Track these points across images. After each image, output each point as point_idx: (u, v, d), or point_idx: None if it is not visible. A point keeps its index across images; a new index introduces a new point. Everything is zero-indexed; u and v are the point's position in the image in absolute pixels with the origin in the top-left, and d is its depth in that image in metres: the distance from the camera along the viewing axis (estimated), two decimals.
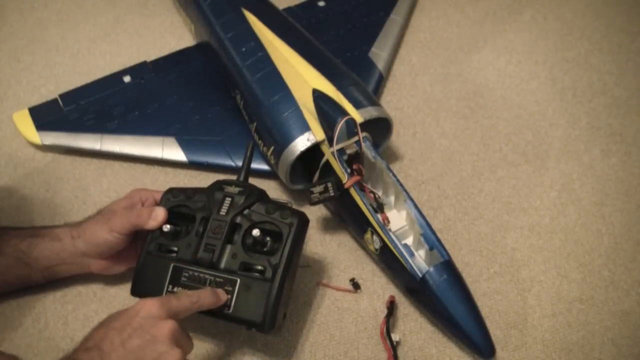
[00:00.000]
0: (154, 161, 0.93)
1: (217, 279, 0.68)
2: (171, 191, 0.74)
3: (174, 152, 0.92)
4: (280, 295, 0.67)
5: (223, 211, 0.70)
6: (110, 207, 0.75)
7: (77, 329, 0.77)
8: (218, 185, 0.73)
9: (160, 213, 0.71)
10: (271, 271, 0.67)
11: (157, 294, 0.69)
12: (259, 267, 0.68)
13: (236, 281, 0.67)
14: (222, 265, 0.68)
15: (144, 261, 0.71)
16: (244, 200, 0.70)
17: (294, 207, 0.73)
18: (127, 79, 1.01)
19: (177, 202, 0.72)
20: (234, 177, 0.75)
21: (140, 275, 0.70)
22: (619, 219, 0.87)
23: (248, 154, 0.76)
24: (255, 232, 0.68)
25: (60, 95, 0.99)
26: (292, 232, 0.69)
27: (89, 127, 0.95)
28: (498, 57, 1.08)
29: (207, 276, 0.68)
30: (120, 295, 0.79)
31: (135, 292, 0.71)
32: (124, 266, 0.77)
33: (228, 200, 0.71)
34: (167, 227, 0.71)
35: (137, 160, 0.94)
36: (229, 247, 0.69)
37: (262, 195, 0.73)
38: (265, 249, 0.69)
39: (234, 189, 0.71)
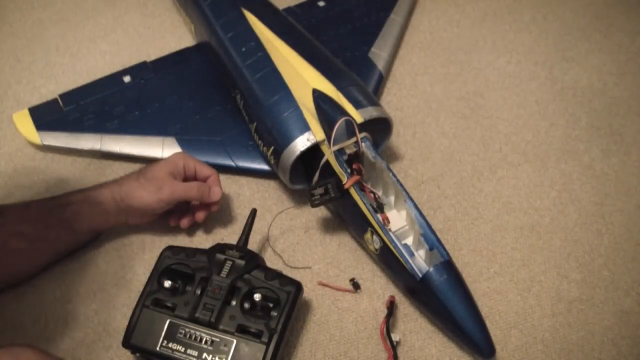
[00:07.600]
0: (154, 161, 0.93)
1: (214, 338, 0.69)
2: (171, 249, 0.76)
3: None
4: (275, 358, 0.69)
5: (224, 273, 0.72)
6: (153, 171, 0.80)
7: (77, 329, 0.77)
8: (219, 248, 0.75)
9: (217, 191, 0.82)
10: (268, 335, 0.69)
11: (151, 347, 0.70)
12: (255, 330, 0.70)
13: (232, 342, 0.69)
14: (220, 325, 0.70)
15: (139, 314, 0.71)
16: (245, 265, 0.73)
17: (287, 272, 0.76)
18: (127, 79, 1.01)
19: (177, 260, 0.74)
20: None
21: (134, 327, 0.71)
22: (619, 219, 0.87)
23: (249, 221, 0.79)
24: (257, 296, 0.71)
25: (60, 95, 0.99)
26: (290, 299, 0.71)
27: (89, 127, 0.94)
28: (498, 57, 1.08)
29: (203, 335, 0.69)
30: (120, 296, 0.80)
31: (126, 344, 0.71)
32: (157, 218, 0.83)
33: (229, 263, 0.73)
34: (168, 283, 0.72)
35: (137, 160, 0.94)
36: (227, 308, 0.71)
37: (260, 262, 0.76)
38: (260, 313, 0.71)
39: (234, 253, 0.74)
